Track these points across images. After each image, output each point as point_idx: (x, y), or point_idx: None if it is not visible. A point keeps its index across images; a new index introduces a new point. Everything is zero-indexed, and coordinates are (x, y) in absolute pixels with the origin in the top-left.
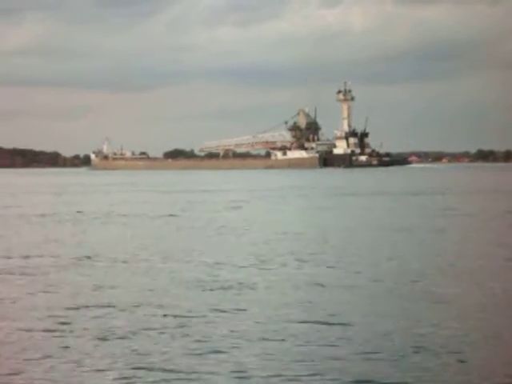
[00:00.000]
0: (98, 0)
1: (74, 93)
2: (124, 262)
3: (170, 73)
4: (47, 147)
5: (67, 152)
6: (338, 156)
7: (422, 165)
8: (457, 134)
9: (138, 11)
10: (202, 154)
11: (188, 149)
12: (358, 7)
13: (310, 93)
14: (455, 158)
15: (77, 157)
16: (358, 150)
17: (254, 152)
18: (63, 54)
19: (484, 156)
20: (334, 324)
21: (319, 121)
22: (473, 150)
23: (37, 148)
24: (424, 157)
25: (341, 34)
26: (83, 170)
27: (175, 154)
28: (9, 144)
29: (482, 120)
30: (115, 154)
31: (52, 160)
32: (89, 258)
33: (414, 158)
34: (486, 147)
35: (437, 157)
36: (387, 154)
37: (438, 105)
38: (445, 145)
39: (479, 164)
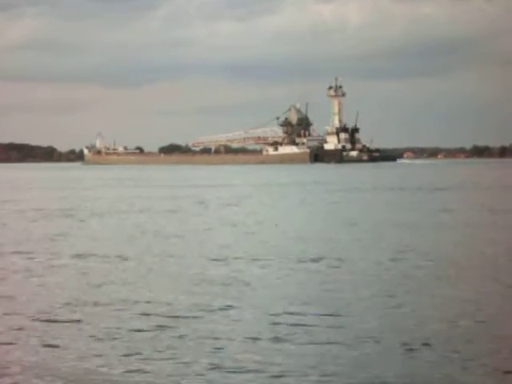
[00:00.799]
0: None
1: (71, 88)
2: (136, 258)
3: (168, 67)
4: (43, 142)
5: (63, 147)
6: (329, 151)
7: (411, 160)
8: (453, 130)
9: (135, 6)
10: (198, 149)
11: (184, 144)
12: (355, 2)
13: (305, 88)
14: (451, 153)
15: (72, 151)
16: (348, 146)
17: (249, 147)
18: (60, 49)
19: (479, 152)
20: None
21: (312, 116)
22: (469, 145)
23: (33, 143)
24: (419, 153)
25: (337, 30)
26: (76, 164)
27: (171, 149)
28: (5, 139)
29: (479, 116)
30: (108, 148)
31: (47, 155)
32: (88, 254)
33: (409, 153)
34: (481, 143)
35: (433, 153)
36: (377, 150)
37: (435, 101)
38: (441, 141)
39: (474, 160)
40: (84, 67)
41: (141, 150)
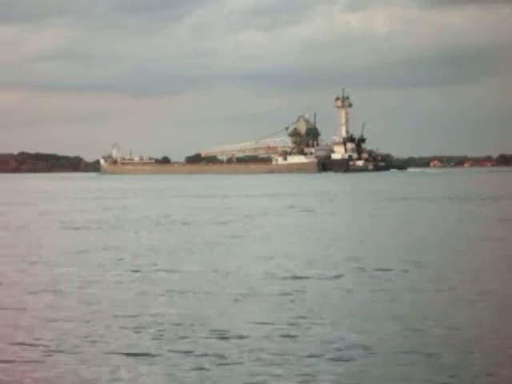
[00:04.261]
0: (121, 5)
1: (98, 98)
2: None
3: (194, 78)
4: (71, 152)
5: (91, 157)
6: (336, 161)
7: (418, 169)
8: (481, 139)
9: (162, 16)
10: (225, 158)
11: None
12: (382, 11)
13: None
14: (478, 162)
15: (98, 161)
16: (355, 155)
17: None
18: (86, 60)
19: (506, 160)
20: None
21: (321, 126)
22: (495, 154)
23: (60, 153)
24: (446, 161)
25: (364, 39)
26: (92, 175)
27: (196, 159)
28: (32, 149)
29: (506, 125)
30: (124, 158)
31: (74, 165)
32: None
33: (436, 162)
34: (508, 152)
35: (460, 161)
36: (383, 159)
37: (463, 109)
38: (469, 149)
39: (499, 169)
40: (110, 78)
41: (167, 160)
